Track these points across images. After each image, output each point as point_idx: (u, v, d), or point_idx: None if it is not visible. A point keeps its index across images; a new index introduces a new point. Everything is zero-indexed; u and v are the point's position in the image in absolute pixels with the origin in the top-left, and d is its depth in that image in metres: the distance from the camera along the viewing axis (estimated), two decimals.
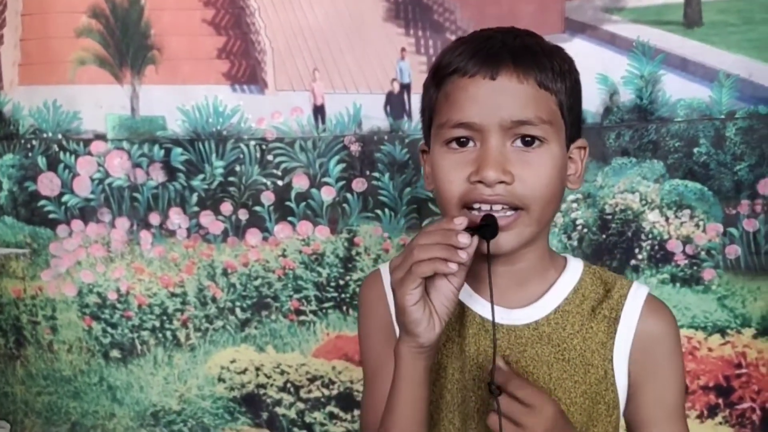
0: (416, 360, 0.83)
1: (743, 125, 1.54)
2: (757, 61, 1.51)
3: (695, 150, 1.57)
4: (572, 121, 0.88)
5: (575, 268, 0.95)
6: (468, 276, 0.82)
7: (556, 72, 0.85)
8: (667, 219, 1.60)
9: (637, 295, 0.94)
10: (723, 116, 1.55)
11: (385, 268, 0.98)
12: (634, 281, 0.96)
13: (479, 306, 0.93)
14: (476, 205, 0.83)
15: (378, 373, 0.92)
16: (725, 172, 1.57)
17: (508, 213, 0.83)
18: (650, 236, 1.61)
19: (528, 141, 0.84)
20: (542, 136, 0.84)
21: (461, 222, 0.78)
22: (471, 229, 0.79)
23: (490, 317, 0.88)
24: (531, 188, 0.83)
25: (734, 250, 1.58)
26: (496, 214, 0.82)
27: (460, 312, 0.94)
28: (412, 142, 1.64)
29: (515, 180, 0.82)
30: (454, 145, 0.85)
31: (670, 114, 1.56)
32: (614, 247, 1.62)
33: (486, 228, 0.80)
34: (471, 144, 0.84)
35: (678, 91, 1.55)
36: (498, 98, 0.82)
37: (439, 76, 0.87)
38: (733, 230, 1.58)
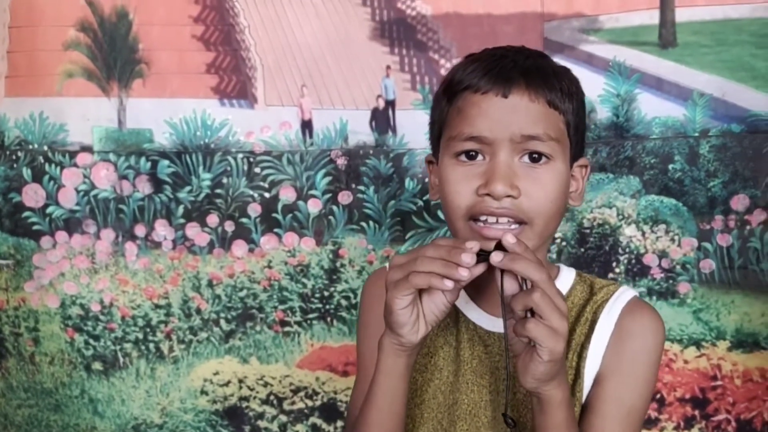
0: (397, 356, 0.85)
1: (716, 143, 1.59)
2: (730, 81, 1.56)
3: (670, 167, 1.61)
4: (577, 140, 0.91)
5: (567, 277, 0.98)
6: (467, 284, 0.83)
7: (565, 92, 0.88)
8: (643, 233, 1.64)
9: (621, 297, 0.94)
10: (697, 134, 1.59)
11: None
12: (623, 285, 0.97)
13: (474, 313, 0.96)
14: (482, 218, 0.85)
15: (370, 365, 0.93)
16: (699, 188, 1.61)
17: (513, 226, 0.85)
18: (627, 250, 1.64)
19: (535, 158, 0.86)
20: (549, 153, 0.86)
21: (473, 246, 0.79)
22: (483, 252, 0.79)
23: (483, 325, 0.94)
24: (536, 203, 0.86)
25: (708, 264, 1.62)
26: (501, 227, 0.84)
27: (456, 318, 0.97)
28: (396, 156, 1.68)
29: (522, 194, 0.85)
30: (463, 157, 0.87)
31: (646, 131, 1.61)
32: (592, 260, 1.65)
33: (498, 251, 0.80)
34: (480, 157, 0.87)
35: (653, 109, 1.60)
36: (509, 115, 0.85)
37: (451, 92, 0.90)
38: (707, 245, 1.62)
